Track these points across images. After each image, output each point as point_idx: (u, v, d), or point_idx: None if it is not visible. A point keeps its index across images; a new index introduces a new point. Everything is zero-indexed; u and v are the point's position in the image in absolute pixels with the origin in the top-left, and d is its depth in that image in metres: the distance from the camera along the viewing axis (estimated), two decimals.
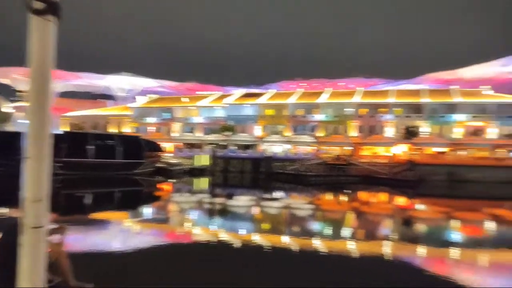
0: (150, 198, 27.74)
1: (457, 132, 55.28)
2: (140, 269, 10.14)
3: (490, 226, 19.63)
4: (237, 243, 13.70)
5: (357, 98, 62.28)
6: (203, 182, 40.29)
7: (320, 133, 60.47)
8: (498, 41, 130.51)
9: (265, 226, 18.18)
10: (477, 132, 55.19)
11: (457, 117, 55.77)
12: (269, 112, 65.08)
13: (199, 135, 65.38)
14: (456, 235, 17.40)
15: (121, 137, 47.40)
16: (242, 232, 15.78)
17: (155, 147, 48.62)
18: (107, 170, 38.78)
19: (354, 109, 60.73)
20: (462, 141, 52.77)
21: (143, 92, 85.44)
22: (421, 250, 13.80)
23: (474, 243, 15.58)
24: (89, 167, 38.00)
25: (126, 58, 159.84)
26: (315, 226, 18.30)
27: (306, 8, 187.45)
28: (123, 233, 15.04)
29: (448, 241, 15.84)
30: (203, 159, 49.95)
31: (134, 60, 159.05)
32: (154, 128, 70.71)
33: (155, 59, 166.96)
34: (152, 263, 10.75)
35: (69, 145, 37.12)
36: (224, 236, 14.88)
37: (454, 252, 13.78)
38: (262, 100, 66.78)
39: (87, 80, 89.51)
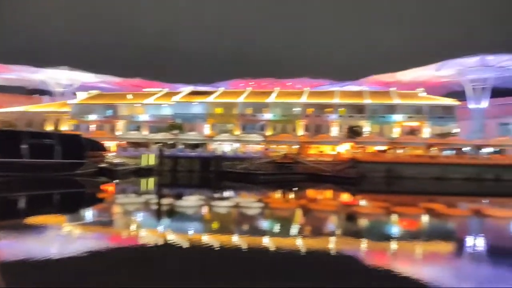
0: (92, 200, 26.28)
1: (396, 132, 59.23)
2: (79, 277, 9.54)
3: (425, 219, 21.13)
4: (185, 244, 13.41)
5: (304, 98, 64.09)
6: (150, 183, 39.02)
7: (268, 132, 61.33)
8: (432, 47, 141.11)
9: (215, 225, 18.02)
10: (413, 131, 59.58)
11: (396, 117, 59.85)
12: (218, 110, 64.77)
13: (145, 133, 63.25)
14: (395, 229, 18.50)
15: (59, 135, 44.41)
16: (191, 232, 15.49)
17: (97, 146, 46.23)
18: (44, 171, 36.19)
19: (301, 109, 62.50)
20: (400, 140, 56.42)
21: (83, 88, 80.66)
22: (364, 244, 14.48)
23: (411, 236, 16.66)
24: (24, 168, 35.16)
25: (64, 51, 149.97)
26: (264, 224, 18.48)
27: (254, 7, 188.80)
28: (61, 238, 14.06)
29: (388, 234, 16.79)
30: (150, 159, 48.40)
31: (73, 53, 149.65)
32: (96, 126, 67.23)
33: (96, 53, 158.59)
34: (94, 269, 10.17)
35: None
36: (172, 237, 14.50)
37: (394, 245, 14.64)
38: (211, 98, 66.23)
39: (20, 74, 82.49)
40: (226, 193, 31.45)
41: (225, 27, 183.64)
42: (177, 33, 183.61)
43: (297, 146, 56.92)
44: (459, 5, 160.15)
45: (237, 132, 61.85)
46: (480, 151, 53.29)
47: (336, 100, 63.10)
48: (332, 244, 14.23)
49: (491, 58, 60.12)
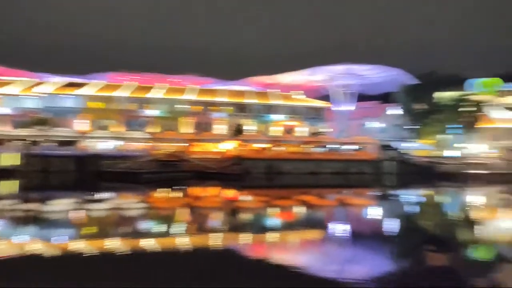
0: None
1: (276, 130, 63.65)
2: None
3: (299, 210, 23.17)
4: (53, 253, 12.04)
5: (190, 96, 63.70)
6: (11, 185, 33.77)
7: (153, 129, 59.15)
8: (309, 52, 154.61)
9: (89, 230, 16.60)
10: (291, 130, 64.89)
11: (276, 117, 64.47)
12: (96, 105, 59.67)
13: (3, 129, 54.37)
14: (274, 220, 19.85)
15: None
16: (60, 240, 13.98)
17: None
18: None
19: (188, 106, 62.07)
20: (280, 138, 60.64)
21: None
22: (247, 237, 15.17)
23: (288, 226, 18.09)
24: None
25: None
26: (146, 225, 17.80)
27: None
28: None
29: (268, 226, 17.91)
30: (10, 158, 41.91)
31: None
32: None
33: None
34: None
35: None
36: (36, 246, 12.84)
37: (273, 235, 15.70)
38: (88, 91, 60.61)
39: None
40: (104, 195, 29.27)
41: (106, 15, 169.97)
42: (47, 17, 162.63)
43: (184, 144, 56.25)
44: (334, 15, 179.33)
45: (118, 128, 58.02)
46: (346, 148, 60.75)
47: (222, 99, 64.49)
48: (216, 240, 14.52)
49: (355, 67, 68.88)
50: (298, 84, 73.10)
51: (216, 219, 20.11)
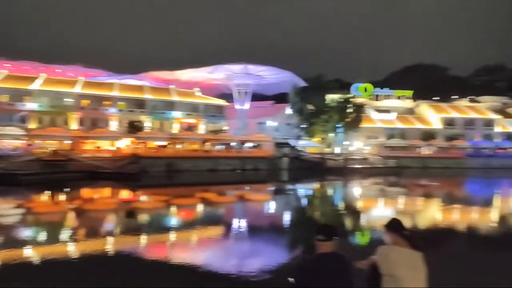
0: None
1: (175, 128, 62.16)
2: None
3: (200, 208, 23.06)
4: None
5: (77, 88, 58.12)
6: None
7: (32, 125, 52.36)
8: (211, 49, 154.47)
9: None
10: (190, 128, 64.12)
11: (175, 114, 62.93)
12: None
13: None
14: (174, 220, 19.39)
15: None
16: None
17: None
18: None
19: (75, 100, 56.54)
20: (179, 135, 59.38)
21: None
22: (144, 239, 14.49)
23: (188, 225, 17.85)
24: None
25: None
26: (25, 233, 15.70)
27: None
28: None
29: (168, 226, 17.41)
30: None
31: None
32: None
33: None
34: None
35: None
36: None
37: (173, 236, 15.33)
38: None
39: None
40: None
41: None
42: None
43: (70, 142, 51.05)
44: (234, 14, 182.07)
45: None
46: (243, 145, 62.53)
47: (115, 93, 60.37)
48: (108, 245, 13.55)
49: (251, 67, 71.07)
50: (198, 81, 72.61)
51: (108, 222, 18.77)
